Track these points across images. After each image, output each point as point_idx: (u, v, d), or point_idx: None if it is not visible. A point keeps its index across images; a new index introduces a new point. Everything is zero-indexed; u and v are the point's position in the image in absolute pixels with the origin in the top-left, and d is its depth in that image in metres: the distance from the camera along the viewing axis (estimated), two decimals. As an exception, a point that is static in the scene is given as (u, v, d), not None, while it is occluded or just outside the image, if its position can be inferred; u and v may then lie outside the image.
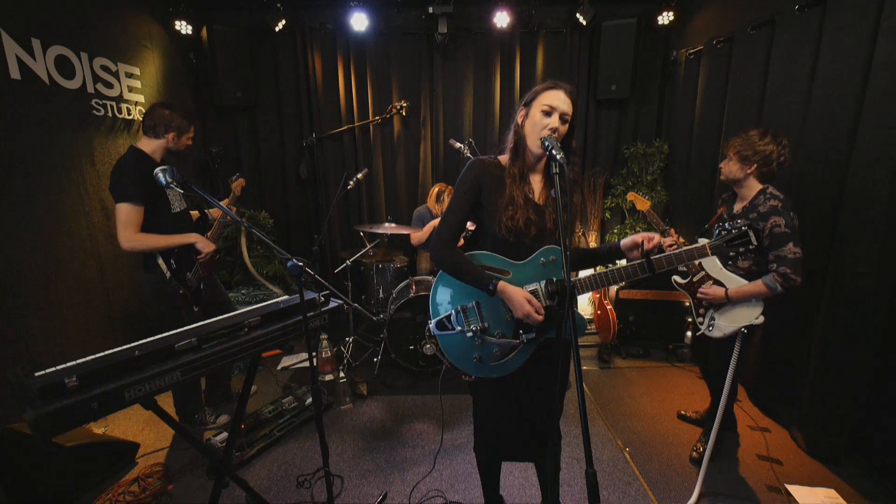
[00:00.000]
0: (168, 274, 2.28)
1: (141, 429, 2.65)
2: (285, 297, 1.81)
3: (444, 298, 1.56)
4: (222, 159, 3.98)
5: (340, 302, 1.80)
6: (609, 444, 2.50)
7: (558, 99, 1.40)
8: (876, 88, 2.04)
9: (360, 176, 3.42)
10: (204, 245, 2.35)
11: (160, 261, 2.27)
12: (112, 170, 2.21)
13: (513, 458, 1.79)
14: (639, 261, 1.44)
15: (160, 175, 1.59)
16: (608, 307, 3.41)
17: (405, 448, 2.47)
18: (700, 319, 2.15)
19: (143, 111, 3.23)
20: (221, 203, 1.94)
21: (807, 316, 2.45)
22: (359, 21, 3.63)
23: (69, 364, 1.20)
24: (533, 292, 1.45)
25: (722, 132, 3.13)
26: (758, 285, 1.94)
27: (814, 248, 2.36)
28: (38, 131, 2.48)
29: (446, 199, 3.58)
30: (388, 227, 3.41)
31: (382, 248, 3.76)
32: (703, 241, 1.51)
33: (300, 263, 1.41)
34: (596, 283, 1.46)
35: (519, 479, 2.21)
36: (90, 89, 2.81)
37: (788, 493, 2.10)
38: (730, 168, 2.08)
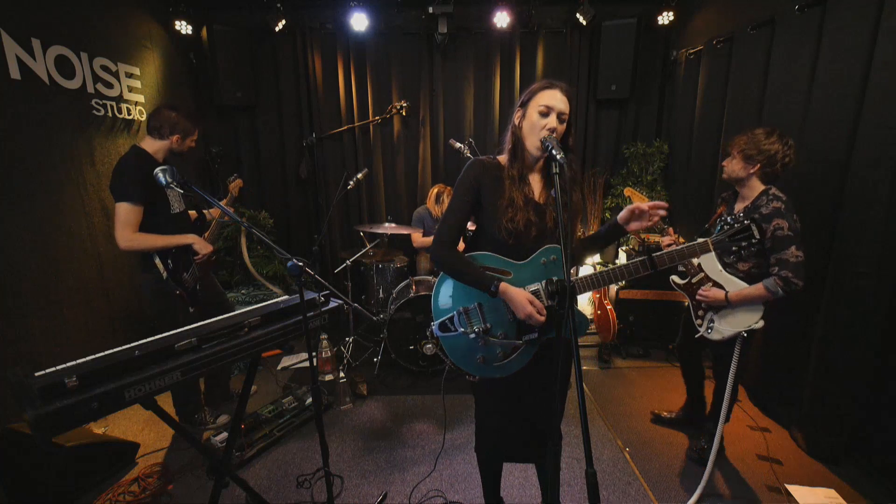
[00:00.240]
0: (165, 274, 2.28)
1: (141, 429, 2.65)
2: (285, 297, 1.81)
3: (446, 300, 1.56)
4: (222, 159, 3.99)
5: (340, 302, 1.80)
6: (609, 444, 2.50)
7: (555, 98, 1.40)
8: (876, 88, 2.04)
9: (360, 176, 3.43)
10: (201, 246, 2.35)
11: (157, 261, 2.27)
12: (113, 169, 2.21)
13: (514, 459, 1.79)
14: (640, 258, 1.43)
15: (160, 175, 1.59)
16: (608, 307, 3.41)
17: (405, 448, 2.47)
18: (699, 321, 2.14)
19: (143, 111, 3.23)
20: (221, 203, 1.94)
21: (807, 316, 2.45)
22: (359, 21, 3.63)
23: (69, 364, 1.20)
24: (534, 292, 1.45)
25: (722, 132, 3.13)
26: (758, 289, 1.91)
27: (814, 248, 2.35)
28: (38, 131, 2.48)
29: (445, 201, 3.58)
30: (388, 227, 3.41)
31: (382, 248, 3.76)
32: (702, 237, 1.50)
33: (300, 263, 1.41)
34: (597, 282, 1.45)
35: (519, 478, 2.21)
36: (90, 89, 2.81)
37: (788, 493, 2.10)
38: (733, 167, 2.05)
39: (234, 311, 1.68)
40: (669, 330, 3.50)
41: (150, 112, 3.03)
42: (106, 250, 2.86)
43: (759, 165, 1.97)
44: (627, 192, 2.78)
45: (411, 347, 3.14)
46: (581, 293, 1.47)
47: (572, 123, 1.48)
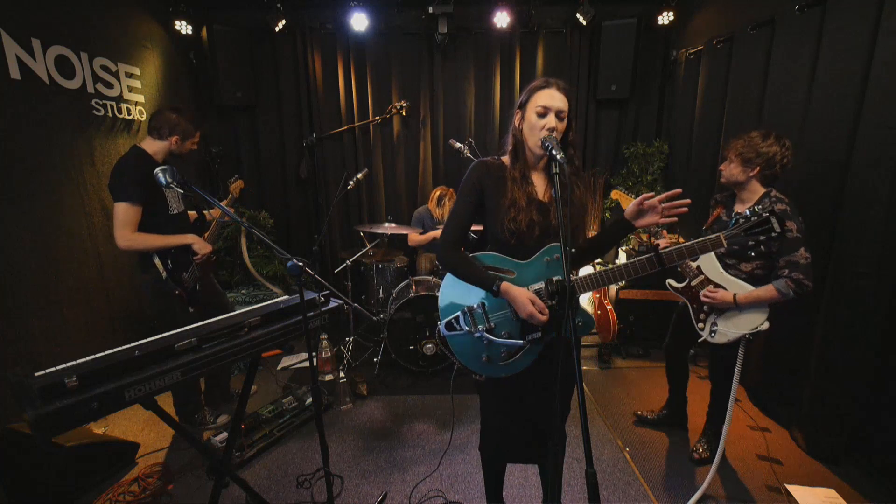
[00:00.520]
0: (164, 274, 2.28)
1: (141, 429, 2.65)
2: (285, 297, 1.81)
3: (451, 299, 1.58)
4: (222, 159, 3.99)
5: (340, 302, 1.80)
6: (609, 444, 2.50)
7: (552, 97, 1.40)
8: (876, 88, 2.04)
9: (360, 176, 3.43)
10: (200, 246, 2.35)
11: (156, 261, 2.27)
12: (112, 168, 2.21)
13: (517, 460, 1.79)
14: (647, 255, 1.40)
15: (160, 175, 1.59)
16: (608, 307, 3.41)
17: (405, 448, 2.47)
18: (700, 325, 2.08)
19: (143, 111, 3.23)
20: (221, 204, 1.94)
21: (807, 316, 2.45)
22: (359, 21, 3.63)
23: (69, 364, 1.20)
24: (537, 292, 1.45)
25: (722, 132, 3.13)
26: (769, 290, 1.88)
27: (814, 248, 2.35)
28: (38, 131, 2.48)
29: (447, 203, 3.58)
30: (388, 227, 3.40)
31: (382, 248, 3.76)
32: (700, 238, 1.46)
33: (300, 263, 1.41)
34: (600, 281, 1.43)
35: (519, 478, 2.21)
36: (90, 89, 2.81)
37: (788, 493, 2.10)
38: (731, 170, 2.03)
39: (233, 311, 1.68)
40: (669, 330, 3.51)
41: (150, 112, 3.03)
42: (106, 250, 2.86)
43: (758, 168, 1.96)
44: (615, 195, 2.67)
45: (411, 347, 3.14)
46: (584, 292, 1.45)
47: (573, 119, 1.47)
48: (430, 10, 3.56)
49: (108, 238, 2.85)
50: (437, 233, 3.55)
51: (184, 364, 1.33)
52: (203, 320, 1.55)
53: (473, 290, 1.53)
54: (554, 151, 1.26)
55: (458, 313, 1.54)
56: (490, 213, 1.50)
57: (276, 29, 3.67)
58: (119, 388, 1.20)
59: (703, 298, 2.03)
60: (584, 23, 3.68)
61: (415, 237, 3.58)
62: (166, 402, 2.56)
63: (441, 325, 1.57)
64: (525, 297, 1.40)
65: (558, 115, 1.40)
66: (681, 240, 2.23)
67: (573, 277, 1.44)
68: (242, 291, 3.50)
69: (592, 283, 1.43)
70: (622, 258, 3.52)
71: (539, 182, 1.51)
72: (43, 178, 2.50)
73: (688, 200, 1.34)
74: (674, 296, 2.19)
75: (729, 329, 1.98)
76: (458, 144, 3.31)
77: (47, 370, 1.16)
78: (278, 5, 3.61)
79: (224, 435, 2.34)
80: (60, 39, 2.59)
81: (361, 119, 4.07)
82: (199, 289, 2.46)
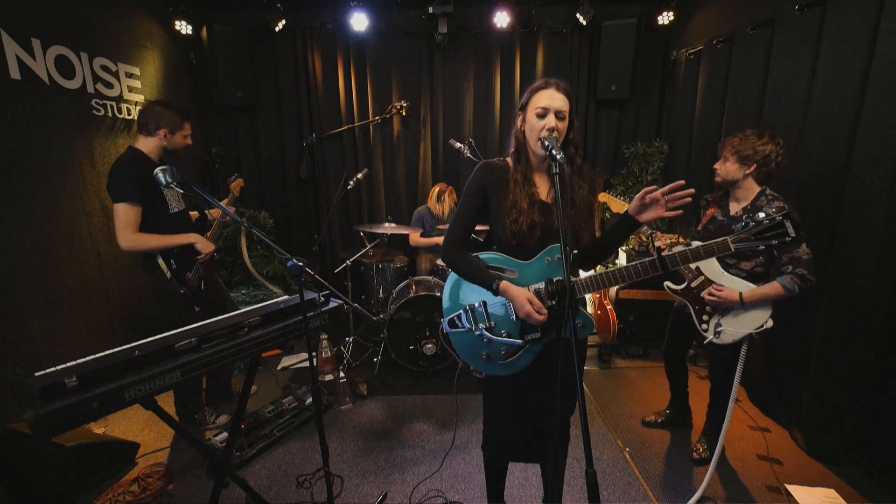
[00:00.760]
0: (168, 274, 2.28)
1: (141, 429, 2.65)
2: (285, 297, 1.81)
3: (455, 297, 1.60)
4: (222, 159, 3.99)
5: (340, 302, 1.80)
6: (609, 444, 2.50)
7: (552, 98, 1.40)
8: (876, 88, 2.04)
9: (360, 176, 3.43)
10: (203, 245, 2.35)
11: (160, 261, 2.27)
12: (109, 170, 2.20)
13: (518, 459, 1.79)
14: (649, 258, 1.40)
15: (160, 175, 1.59)
16: (608, 307, 3.41)
17: (405, 448, 2.47)
18: (704, 326, 2.06)
19: (143, 111, 3.23)
20: (221, 203, 1.94)
21: (807, 316, 2.45)
22: (359, 21, 3.63)
23: (69, 364, 1.20)
24: (537, 291, 1.45)
25: (722, 132, 3.13)
26: (775, 287, 1.88)
27: (814, 248, 2.35)
28: (38, 131, 2.48)
29: (447, 199, 3.59)
30: (388, 227, 3.41)
31: (382, 248, 3.75)
32: (695, 240, 1.45)
33: (300, 263, 1.41)
34: (602, 283, 1.42)
35: (519, 478, 2.21)
36: (90, 89, 2.81)
37: (788, 493, 2.10)
38: (727, 169, 2.04)
39: (237, 310, 1.68)
40: (669, 330, 3.50)
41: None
42: (106, 250, 2.86)
43: (755, 166, 1.97)
44: (603, 197, 2.59)
45: (411, 347, 3.14)
46: (585, 294, 1.45)
47: (574, 119, 1.47)
48: (430, 10, 3.56)
49: (108, 238, 2.86)
50: (439, 240, 3.55)
51: (184, 364, 1.33)
52: (206, 320, 1.55)
53: (475, 289, 1.55)
54: (554, 151, 1.26)
55: (461, 311, 1.57)
56: (493, 214, 1.52)
57: (276, 29, 3.67)
58: (119, 388, 1.20)
59: (707, 298, 2.01)
60: (584, 23, 3.68)
61: (416, 238, 3.58)
62: (166, 402, 2.56)
63: (444, 321, 1.61)
64: (523, 296, 1.40)
65: (558, 115, 1.40)
66: (681, 239, 2.22)
67: (574, 278, 1.44)
68: (242, 291, 3.49)
69: (593, 285, 1.43)
70: (622, 259, 3.52)
71: (542, 183, 1.52)
72: (43, 178, 2.51)
73: (692, 191, 1.32)
74: (674, 296, 2.18)
75: (735, 328, 1.97)
76: (458, 144, 3.32)
77: (47, 370, 1.16)
78: (278, 5, 3.61)
79: (224, 435, 2.34)
80: (60, 39, 2.59)
81: (361, 119, 4.07)
82: (204, 288, 2.46)
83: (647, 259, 1.39)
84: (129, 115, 3.10)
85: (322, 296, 1.72)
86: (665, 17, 3.71)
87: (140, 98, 3.22)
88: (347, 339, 3.54)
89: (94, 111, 2.84)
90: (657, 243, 2.17)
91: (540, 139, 1.38)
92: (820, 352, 2.31)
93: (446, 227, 3.52)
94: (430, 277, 3.36)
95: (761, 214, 1.38)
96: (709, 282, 2.04)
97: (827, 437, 2.31)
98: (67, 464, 2.07)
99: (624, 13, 3.74)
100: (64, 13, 2.64)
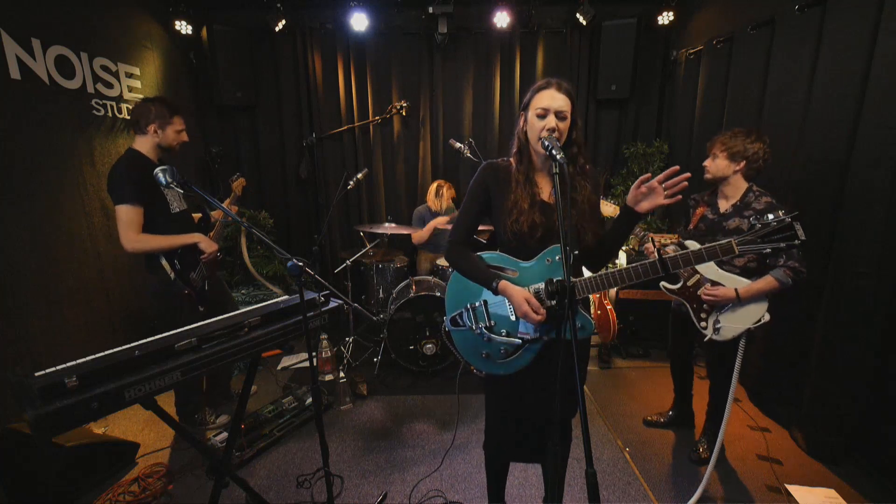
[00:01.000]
0: (172, 275, 2.28)
1: (141, 429, 2.65)
2: (285, 297, 1.81)
3: (457, 296, 1.62)
4: (222, 159, 3.99)
5: (340, 302, 1.80)
6: (609, 444, 2.50)
7: (552, 98, 1.40)
8: (876, 88, 2.04)
9: (360, 176, 3.43)
10: (207, 245, 2.35)
11: (163, 261, 2.26)
12: (109, 172, 2.20)
13: (519, 459, 1.79)
14: (650, 260, 1.39)
15: (160, 175, 1.59)
16: (608, 307, 3.41)
17: (405, 448, 2.47)
18: (703, 324, 2.07)
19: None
20: (222, 203, 1.94)
21: (807, 316, 2.45)
22: (359, 21, 3.63)
23: (69, 364, 1.20)
24: (537, 291, 1.45)
25: (722, 132, 3.13)
26: (769, 282, 1.90)
27: (814, 248, 2.36)
28: (38, 131, 2.48)
29: (445, 193, 3.60)
30: (388, 227, 3.41)
31: (382, 248, 3.76)
32: (687, 240, 1.44)
33: (300, 263, 1.41)
34: (603, 284, 1.41)
35: (519, 478, 2.21)
36: (90, 89, 2.81)
37: (788, 493, 2.10)
38: (717, 165, 2.08)
39: (238, 310, 1.68)
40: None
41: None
42: (106, 250, 2.86)
43: (744, 163, 2.02)
44: None
45: (411, 347, 3.14)
46: (585, 294, 1.44)
47: (577, 118, 1.46)
48: (430, 10, 3.56)
49: (108, 238, 2.86)
50: (438, 221, 3.53)
51: (184, 364, 1.33)
52: (209, 319, 1.55)
53: (477, 288, 1.56)
54: (554, 151, 1.26)
55: (462, 309, 1.59)
56: (495, 214, 1.53)
57: (276, 29, 3.67)
58: (119, 388, 1.20)
59: (704, 297, 2.02)
60: (584, 23, 3.68)
61: (417, 235, 3.58)
62: (166, 402, 2.56)
63: (446, 319, 1.62)
64: (521, 296, 1.41)
65: (558, 115, 1.39)
66: (677, 238, 2.23)
67: (575, 279, 1.43)
68: (242, 291, 3.49)
69: (594, 286, 1.42)
70: (622, 259, 3.52)
71: (544, 183, 1.52)
72: (43, 178, 2.51)
73: (688, 175, 1.30)
74: (671, 296, 2.19)
75: (733, 324, 1.98)
76: (457, 144, 3.32)
77: (47, 370, 1.16)
78: (278, 5, 3.61)
79: (224, 435, 2.34)
80: (60, 39, 2.59)
81: (361, 119, 4.07)
82: (208, 288, 2.45)
83: (647, 261, 1.37)
84: (129, 115, 3.11)
85: (322, 296, 1.72)
86: (665, 17, 3.71)
87: (140, 98, 3.21)
88: (347, 339, 3.54)
89: (94, 111, 2.84)
90: (648, 245, 2.18)
91: (540, 139, 1.38)
92: (820, 352, 2.31)
93: (444, 217, 3.54)
94: (430, 277, 3.36)
95: (770, 216, 1.34)
96: (704, 279, 2.05)
97: (827, 437, 2.31)
98: (67, 464, 2.07)
99: (624, 13, 3.74)
100: (64, 13, 2.64)
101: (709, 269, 2.04)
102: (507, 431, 1.66)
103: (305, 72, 3.96)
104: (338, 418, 2.75)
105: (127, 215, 2.13)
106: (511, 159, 1.54)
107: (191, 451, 2.41)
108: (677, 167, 1.32)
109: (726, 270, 2.02)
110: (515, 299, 1.42)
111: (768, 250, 1.35)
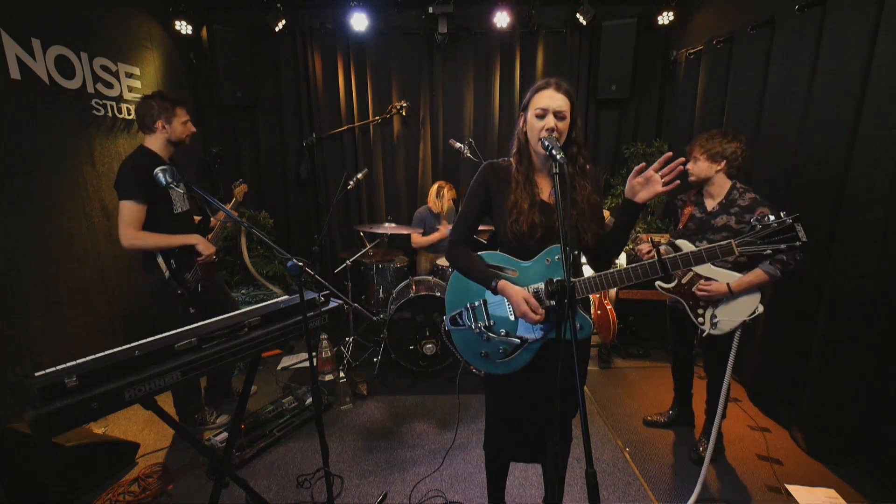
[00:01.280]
0: (167, 273, 2.28)
1: (141, 429, 2.65)
2: (285, 297, 1.81)
3: (457, 295, 1.62)
4: (222, 159, 3.99)
5: (340, 302, 1.80)
6: (609, 444, 2.50)
7: (551, 98, 1.40)
8: (876, 88, 2.04)
9: (360, 176, 3.42)
10: (204, 247, 2.35)
11: (160, 260, 2.27)
12: (119, 167, 2.21)
13: (519, 458, 1.79)
14: (650, 261, 1.39)
15: (160, 175, 1.59)
16: (608, 307, 3.41)
17: (405, 448, 2.47)
18: (700, 320, 2.10)
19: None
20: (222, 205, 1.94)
21: (807, 316, 2.45)
22: (359, 21, 3.63)
23: (69, 364, 1.19)
24: (536, 291, 1.45)
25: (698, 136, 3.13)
26: (759, 275, 1.94)
27: (814, 248, 2.36)
28: (38, 131, 2.48)
29: (445, 194, 3.59)
30: (388, 227, 3.41)
31: (382, 248, 3.76)
32: (679, 239, 1.44)
33: (300, 263, 1.41)
34: (602, 284, 1.41)
35: (519, 478, 2.21)
36: (90, 89, 2.81)
37: (788, 493, 2.10)
38: (699, 168, 2.14)
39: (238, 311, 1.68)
40: (669, 330, 3.50)
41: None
42: (106, 250, 2.86)
43: (724, 162, 2.08)
44: None
45: (411, 347, 3.14)
46: (585, 294, 1.44)
47: (577, 118, 1.46)
48: (430, 10, 3.56)
49: (108, 238, 2.86)
50: (440, 233, 3.55)
51: (184, 364, 1.33)
52: (204, 320, 1.54)
53: (477, 288, 1.56)
54: (553, 151, 1.26)
55: (462, 309, 1.59)
56: (496, 215, 1.53)
57: (276, 29, 3.67)
58: (119, 388, 1.20)
59: (699, 293, 2.07)
60: (584, 23, 3.68)
61: (418, 238, 3.58)
62: (166, 402, 2.56)
63: (446, 319, 1.63)
64: (520, 296, 1.41)
65: (557, 115, 1.39)
66: (668, 238, 2.25)
67: (575, 279, 1.43)
68: (242, 291, 3.49)
69: (594, 286, 1.42)
70: (622, 259, 3.52)
71: (544, 183, 1.52)
72: (43, 178, 2.51)
73: (682, 159, 1.31)
74: (666, 295, 2.22)
75: (729, 317, 2.01)
76: (458, 144, 3.32)
77: (47, 370, 1.16)
78: (278, 5, 3.61)
79: (224, 435, 2.33)
80: (60, 39, 2.59)
81: (361, 119, 4.07)
82: (201, 290, 2.45)
83: (647, 261, 1.38)
84: (129, 115, 3.10)
85: (322, 296, 1.72)
86: (665, 17, 3.71)
87: (140, 98, 3.22)
88: (347, 339, 3.54)
89: (94, 111, 2.84)
90: (642, 249, 2.22)
91: (540, 139, 1.38)
92: (820, 351, 2.31)
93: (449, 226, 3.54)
94: (430, 277, 3.36)
95: (771, 217, 1.33)
96: (698, 276, 2.09)
97: (827, 437, 2.30)
98: (67, 464, 2.07)
99: (624, 13, 3.75)
100: (64, 13, 2.64)
101: (702, 266, 2.06)
102: (507, 431, 1.65)
103: (305, 72, 3.96)
104: (338, 418, 2.75)
105: (129, 212, 2.13)
106: (511, 159, 1.54)
107: (191, 451, 2.41)
108: (671, 153, 1.33)
109: (718, 265, 2.06)
110: (514, 299, 1.42)
111: (769, 252, 1.34)
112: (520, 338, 1.49)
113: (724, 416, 2.18)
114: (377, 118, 4.05)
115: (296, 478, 2.24)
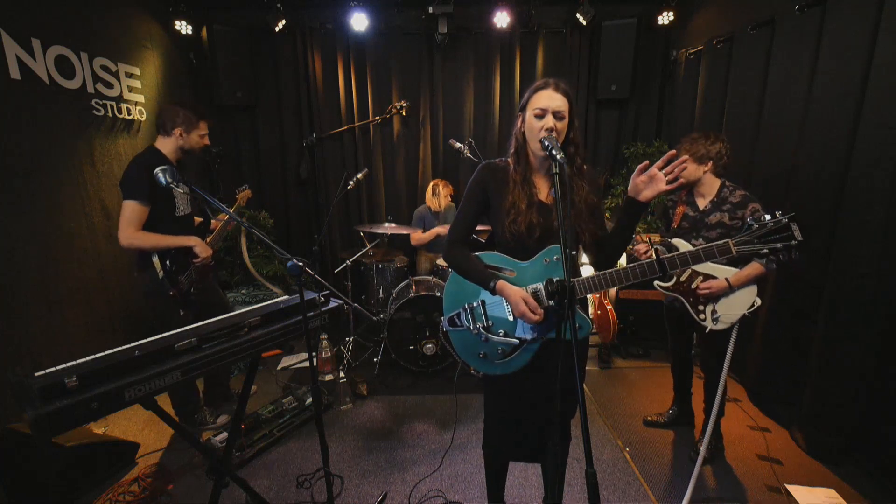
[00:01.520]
0: (161, 274, 2.28)
1: (141, 429, 2.65)
2: (285, 297, 1.81)
3: (455, 296, 1.61)
4: (222, 159, 3.98)
5: (340, 302, 1.80)
6: (609, 444, 2.50)
7: (548, 98, 1.39)
8: (876, 88, 2.04)
9: (360, 176, 3.42)
10: (201, 249, 2.35)
11: (155, 259, 2.27)
12: (126, 166, 2.22)
13: (518, 458, 1.79)
14: (647, 261, 1.38)
15: (160, 175, 1.59)
16: (608, 307, 3.41)
17: (405, 448, 2.47)
18: (701, 317, 2.10)
19: (143, 111, 3.24)
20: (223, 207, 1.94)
21: (807, 316, 2.45)
22: (359, 21, 3.63)
23: (69, 364, 1.19)
24: (535, 291, 1.45)
25: (722, 132, 3.13)
26: (755, 268, 1.97)
27: (814, 248, 2.36)
28: (38, 131, 2.48)
29: (441, 191, 3.59)
30: (388, 227, 3.41)
31: (382, 248, 3.76)
32: (674, 238, 1.44)
33: (300, 263, 1.41)
34: (601, 284, 1.41)
35: (519, 478, 2.21)
36: (90, 89, 2.81)
37: (788, 493, 2.10)
38: (688, 171, 2.17)
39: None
40: (669, 330, 3.50)
41: (151, 112, 3.02)
42: (106, 250, 2.86)
43: (710, 163, 2.13)
44: None
45: (411, 347, 3.13)
46: (584, 294, 1.44)
47: (575, 118, 1.45)
48: (430, 10, 3.56)
49: (108, 238, 2.86)
50: (439, 229, 3.55)
51: (184, 364, 1.33)
52: (194, 323, 1.54)
53: (475, 289, 1.55)
54: (553, 151, 1.26)
55: (460, 310, 1.58)
56: (493, 215, 1.53)
57: (276, 29, 3.67)
58: (119, 388, 1.20)
59: (701, 291, 2.07)
60: (584, 23, 3.68)
61: (417, 236, 3.58)
62: (166, 402, 2.56)
63: (444, 320, 1.62)
64: (518, 296, 1.41)
65: (556, 115, 1.39)
66: (660, 238, 2.27)
67: (574, 279, 1.43)
68: (242, 291, 3.50)
69: (593, 286, 1.42)
70: (622, 260, 3.52)
71: (542, 184, 1.52)
72: (43, 178, 2.50)
73: (686, 157, 1.34)
74: (665, 294, 2.23)
75: (730, 312, 2.03)
76: (458, 144, 3.32)
77: (47, 370, 1.16)
78: (278, 5, 3.61)
79: (224, 435, 2.33)
80: (60, 39, 2.59)
81: (361, 119, 4.07)
82: (194, 293, 2.44)
83: (645, 262, 1.38)
84: (129, 115, 3.11)
85: (322, 296, 1.72)
86: (665, 17, 3.71)
87: (140, 98, 3.22)
88: (347, 339, 3.54)
89: (94, 111, 2.84)
90: (639, 249, 2.25)
91: (540, 140, 1.38)
92: (820, 351, 2.31)
93: (447, 225, 3.54)
94: (430, 277, 3.36)
95: (767, 216, 1.34)
96: (695, 273, 2.10)
97: (827, 437, 2.30)
98: (67, 464, 2.07)
99: (624, 13, 3.74)
100: (64, 13, 2.64)
101: (700, 264, 2.09)
102: (506, 432, 1.66)
103: (305, 72, 3.96)
104: (338, 418, 2.75)
105: (132, 212, 2.14)
106: (509, 160, 1.54)
107: (191, 451, 2.41)
108: (674, 151, 1.33)
109: (715, 262, 2.06)
110: (513, 299, 1.42)
111: (765, 251, 1.34)
112: (518, 338, 1.49)
113: (722, 413, 2.18)
114: (377, 118, 4.05)
115: (296, 478, 2.24)
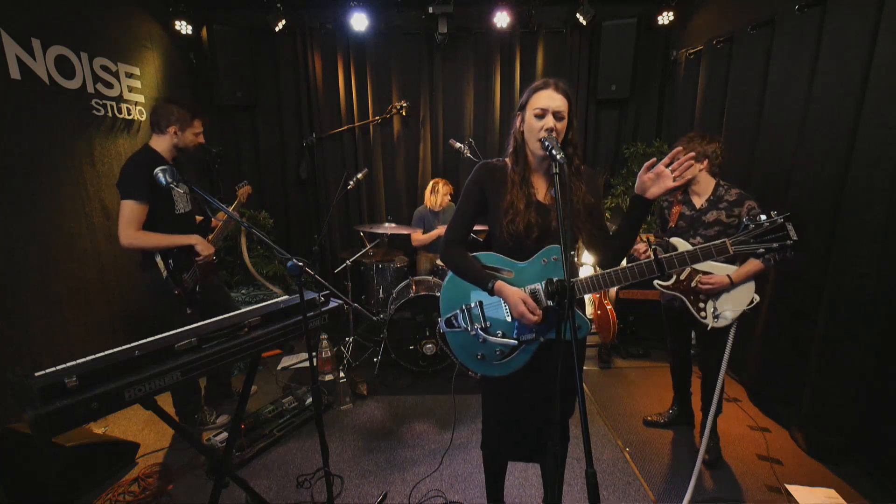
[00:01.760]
0: (165, 273, 2.28)
1: (141, 429, 2.65)
2: (285, 297, 1.81)
3: (452, 297, 1.60)
4: (222, 159, 3.98)
5: (340, 302, 1.80)
6: (609, 444, 2.50)
7: (550, 98, 1.39)
8: (876, 88, 2.04)
9: (360, 176, 3.42)
10: (203, 247, 2.35)
11: (158, 259, 2.27)
12: (122, 166, 2.21)
13: (517, 458, 1.79)
14: (646, 260, 1.38)
15: (160, 175, 1.59)
16: (608, 307, 3.41)
17: (405, 448, 2.47)
18: (702, 314, 2.12)
19: (143, 111, 3.24)
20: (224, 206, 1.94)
21: (807, 316, 2.45)
22: (359, 21, 3.63)
23: (69, 364, 1.19)
24: (534, 292, 1.45)
25: (722, 132, 3.13)
26: (755, 263, 2.00)
27: (814, 247, 2.36)
28: (38, 131, 2.48)
29: (440, 189, 3.58)
30: (388, 227, 3.41)
31: (382, 248, 3.76)
32: (671, 237, 1.44)
33: (300, 263, 1.41)
34: (600, 284, 1.41)
35: (519, 478, 2.21)
36: (90, 89, 2.81)
37: (788, 493, 2.10)
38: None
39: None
40: (669, 330, 3.50)
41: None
42: (106, 250, 2.86)
43: (706, 162, 2.16)
44: None
45: (411, 347, 3.14)
46: (583, 294, 1.44)
47: (574, 119, 1.46)
48: (430, 10, 3.56)
49: (108, 238, 2.85)
50: (440, 230, 3.55)
51: (184, 364, 1.33)
52: (200, 321, 1.54)
53: (473, 289, 1.54)
54: (554, 151, 1.26)
55: (457, 311, 1.57)
56: (491, 215, 1.52)
57: (276, 29, 3.67)
58: (119, 388, 1.20)
59: (703, 287, 2.09)
60: (584, 23, 3.68)
61: (418, 237, 3.58)
62: (166, 402, 2.56)
63: (441, 321, 1.61)
64: (517, 296, 1.40)
65: (556, 115, 1.39)
66: (653, 238, 2.29)
67: (573, 279, 1.43)
68: (242, 291, 3.50)
69: (592, 286, 1.41)
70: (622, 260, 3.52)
71: (540, 184, 1.51)
72: (43, 178, 2.50)
73: (692, 154, 1.34)
74: (664, 293, 2.24)
75: (730, 308, 2.05)
76: (458, 144, 3.32)
77: (47, 370, 1.16)
78: (278, 5, 3.61)
79: (224, 435, 2.34)
80: (60, 39, 2.59)
81: (361, 119, 4.07)
82: (199, 291, 2.45)
83: (644, 261, 1.38)
84: (129, 115, 3.11)
85: (322, 296, 1.72)
86: (665, 17, 3.71)
87: (140, 98, 3.22)
88: (347, 339, 3.54)
89: (94, 111, 2.84)
90: (639, 248, 2.27)
91: (540, 139, 1.37)
92: (820, 351, 2.31)
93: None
94: (430, 277, 3.36)
95: (762, 216, 1.35)
96: (695, 271, 2.11)
97: (827, 437, 2.30)
98: (67, 464, 2.07)
99: (624, 13, 3.74)
100: (64, 13, 2.64)
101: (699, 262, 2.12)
102: (504, 432, 1.65)
103: (305, 72, 3.96)
104: (338, 418, 2.75)
105: (131, 211, 2.13)
106: (507, 159, 1.54)
107: (191, 451, 2.41)
108: (680, 148, 1.33)
109: (711, 260, 2.09)
110: (511, 300, 1.41)
111: (761, 251, 1.36)
112: (517, 339, 1.49)
113: (720, 411, 2.18)
114: (377, 118, 4.05)
115: (296, 478, 2.24)
